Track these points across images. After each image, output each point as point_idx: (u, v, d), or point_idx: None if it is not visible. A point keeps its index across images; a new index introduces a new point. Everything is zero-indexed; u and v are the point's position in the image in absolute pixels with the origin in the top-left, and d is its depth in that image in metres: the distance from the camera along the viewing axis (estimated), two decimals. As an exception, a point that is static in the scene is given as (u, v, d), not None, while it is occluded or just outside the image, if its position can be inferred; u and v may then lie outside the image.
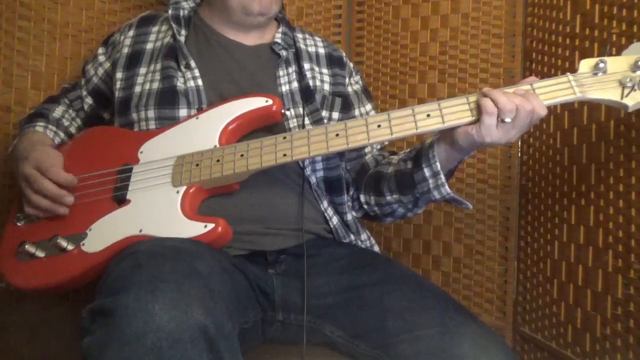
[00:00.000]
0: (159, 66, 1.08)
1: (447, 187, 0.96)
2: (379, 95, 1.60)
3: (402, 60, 1.58)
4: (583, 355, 1.14)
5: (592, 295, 1.11)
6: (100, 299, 0.71)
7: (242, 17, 1.11)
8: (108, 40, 1.20)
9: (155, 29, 1.15)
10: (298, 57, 1.13)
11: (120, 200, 0.96)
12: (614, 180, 1.06)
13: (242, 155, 0.93)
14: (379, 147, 1.16)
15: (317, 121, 1.07)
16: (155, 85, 1.06)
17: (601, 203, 1.09)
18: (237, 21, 1.12)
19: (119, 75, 1.11)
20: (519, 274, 1.43)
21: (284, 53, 1.12)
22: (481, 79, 1.48)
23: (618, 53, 0.88)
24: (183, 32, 1.13)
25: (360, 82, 1.23)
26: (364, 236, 1.14)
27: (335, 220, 1.09)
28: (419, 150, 1.00)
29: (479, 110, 0.86)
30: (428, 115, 0.89)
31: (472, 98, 0.88)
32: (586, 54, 1.16)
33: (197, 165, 0.95)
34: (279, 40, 1.14)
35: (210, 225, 0.89)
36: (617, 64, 0.86)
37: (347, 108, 1.14)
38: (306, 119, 1.06)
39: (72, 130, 1.20)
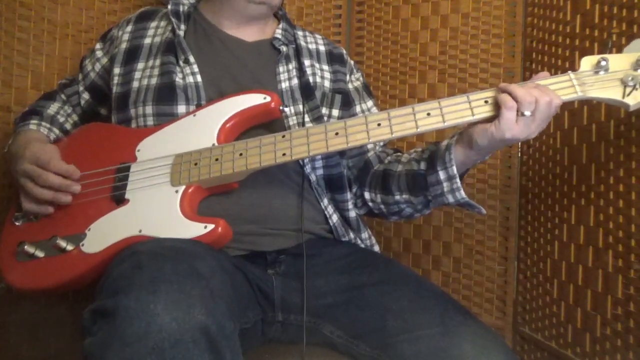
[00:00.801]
0: (157, 62, 1.07)
1: (462, 191, 0.94)
2: (379, 95, 1.60)
3: (402, 60, 1.58)
4: (583, 355, 1.13)
5: (592, 295, 1.11)
6: (101, 299, 0.71)
7: (245, 5, 1.09)
8: (106, 35, 1.19)
9: (153, 24, 1.14)
10: (298, 53, 1.13)
11: (119, 199, 0.96)
12: (614, 180, 1.06)
13: (240, 155, 0.93)
14: (382, 144, 1.15)
15: (317, 119, 1.06)
16: (154, 80, 1.05)
17: (601, 203, 1.09)
18: (238, 11, 1.11)
19: (117, 70, 1.11)
20: (519, 274, 1.43)
21: (284, 49, 1.11)
22: (481, 79, 1.48)
23: (618, 53, 0.88)
24: (182, 27, 1.12)
25: (361, 79, 1.23)
26: (364, 235, 1.13)
27: (335, 218, 1.09)
28: (433, 151, 0.98)
29: (496, 105, 0.85)
30: (428, 114, 0.88)
31: (473, 97, 0.88)
32: (586, 54, 1.15)
33: (196, 164, 0.94)
34: (279, 36, 1.14)
35: (210, 226, 0.88)
36: (619, 62, 0.85)
37: (347, 105, 1.13)
38: (306, 116, 1.05)
39: (68, 126, 1.19)
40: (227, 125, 0.98)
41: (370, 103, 1.19)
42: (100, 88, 1.18)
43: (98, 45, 1.19)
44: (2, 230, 1.05)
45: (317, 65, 1.15)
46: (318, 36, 1.23)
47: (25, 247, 0.95)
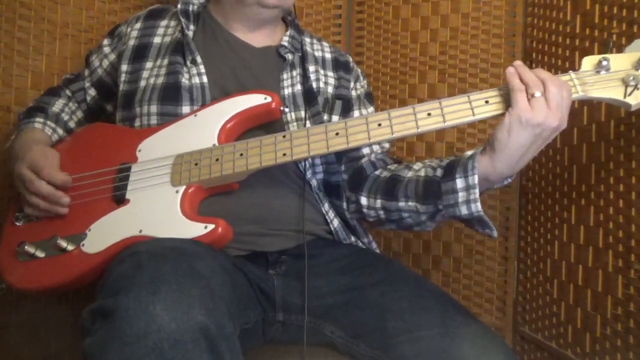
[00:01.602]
0: (165, 61, 1.07)
1: (479, 203, 0.88)
2: (379, 95, 1.60)
3: (402, 60, 1.58)
4: (583, 355, 1.13)
5: (592, 295, 1.11)
6: (100, 299, 0.71)
7: (257, 9, 1.09)
8: (114, 31, 1.18)
9: (163, 22, 1.14)
10: (304, 59, 1.13)
11: (120, 200, 0.96)
12: (614, 180, 1.06)
13: (241, 155, 0.93)
14: (379, 151, 1.14)
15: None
16: (160, 80, 1.05)
17: (601, 203, 1.09)
18: (250, 16, 1.11)
19: (125, 67, 1.10)
20: (519, 274, 1.43)
21: (289, 57, 1.11)
22: (481, 79, 1.47)
23: (618, 52, 0.87)
24: (191, 27, 1.12)
25: (366, 87, 1.22)
26: (366, 240, 1.13)
27: (336, 222, 1.09)
28: (454, 160, 0.94)
29: (504, 103, 0.86)
30: (429, 114, 0.88)
31: (474, 97, 0.88)
32: (586, 54, 1.15)
33: (196, 164, 0.94)
34: (286, 44, 1.13)
35: (211, 226, 0.88)
36: (620, 62, 0.85)
37: (347, 111, 1.13)
38: (307, 122, 1.05)
39: (72, 124, 1.19)
40: (228, 125, 0.98)
41: (370, 110, 1.19)
42: (107, 84, 1.18)
43: (106, 41, 1.18)
44: (3, 230, 1.05)
45: (321, 71, 1.15)
46: (325, 44, 1.23)
47: (26, 247, 0.95)
